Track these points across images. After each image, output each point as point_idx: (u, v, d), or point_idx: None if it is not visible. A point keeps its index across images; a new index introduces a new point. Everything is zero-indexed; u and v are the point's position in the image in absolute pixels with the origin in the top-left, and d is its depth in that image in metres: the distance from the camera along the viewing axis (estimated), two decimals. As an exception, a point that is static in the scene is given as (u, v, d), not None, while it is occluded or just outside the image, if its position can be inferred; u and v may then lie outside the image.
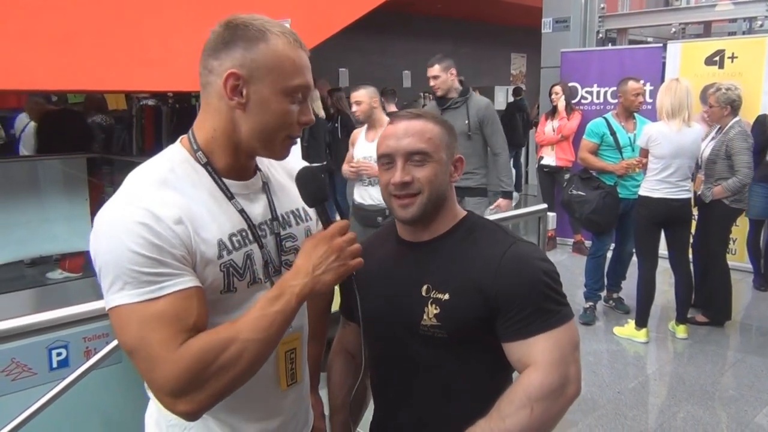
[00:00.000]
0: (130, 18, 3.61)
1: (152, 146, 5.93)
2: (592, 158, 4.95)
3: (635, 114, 4.96)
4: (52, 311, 1.81)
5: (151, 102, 6.08)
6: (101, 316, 1.90)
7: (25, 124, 6.74)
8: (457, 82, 4.56)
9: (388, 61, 12.14)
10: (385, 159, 1.42)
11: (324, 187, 1.29)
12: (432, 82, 4.56)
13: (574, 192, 4.93)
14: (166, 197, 1.13)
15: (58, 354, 2.40)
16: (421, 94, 11.68)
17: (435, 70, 4.50)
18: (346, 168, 4.37)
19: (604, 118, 4.99)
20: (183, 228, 1.12)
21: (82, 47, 3.41)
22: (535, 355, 1.30)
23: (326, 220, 1.23)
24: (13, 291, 4.29)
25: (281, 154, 1.25)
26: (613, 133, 4.86)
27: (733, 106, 4.56)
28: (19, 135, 6.80)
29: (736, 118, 4.57)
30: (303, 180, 1.28)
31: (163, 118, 5.80)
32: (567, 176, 6.59)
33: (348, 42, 9.18)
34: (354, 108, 4.30)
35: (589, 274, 5.09)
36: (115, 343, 1.97)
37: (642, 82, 5.12)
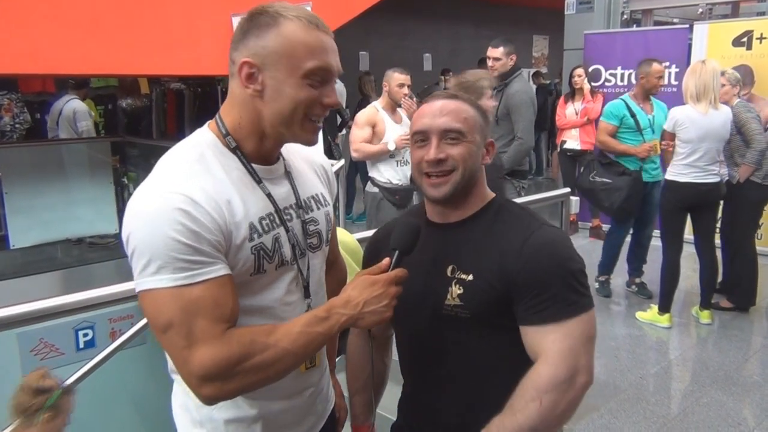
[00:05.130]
0: (156, 2, 3.63)
1: (174, 130, 5.96)
2: (613, 141, 4.86)
3: (651, 96, 4.88)
4: (78, 293, 1.84)
5: (174, 86, 6.11)
6: (126, 298, 1.93)
7: (60, 109, 6.78)
8: (511, 67, 4.56)
9: (408, 44, 12.06)
10: (420, 136, 1.43)
11: (416, 243, 1.33)
12: (491, 63, 4.57)
13: (598, 179, 4.83)
14: (201, 181, 1.15)
15: (85, 335, 2.45)
16: (442, 77, 11.61)
17: (498, 52, 4.49)
18: (393, 142, 4.39)
19: (622, 99, 4.89)
20: (219, 212, 1.14)
21: (108, 31, 3.43)
22: (545, 345, 1.30)
23: (395, 265, 1.27)
24: (41, 272, 4.36)
25: (305, 137, 1.24)
26: (633, 115, 4.77)
27: (742, 83, 4.59)
28: (57, 118, 6.81)
29: (738, 99, 4.57)
30: (405, 227, 1.33)
31: (185, 102, 5.83)
32: (581, 169, 6.54)
33: (369, 25, 9.15)
34: (406, 90, 4.41)
35: (605, 252, 5.14)
36: (140, 325, 2.00)
37: (667, 63, 5.04)
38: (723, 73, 4.57)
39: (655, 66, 4.74)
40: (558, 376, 1.27)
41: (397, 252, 1.29)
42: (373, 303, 1.20)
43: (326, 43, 1.20)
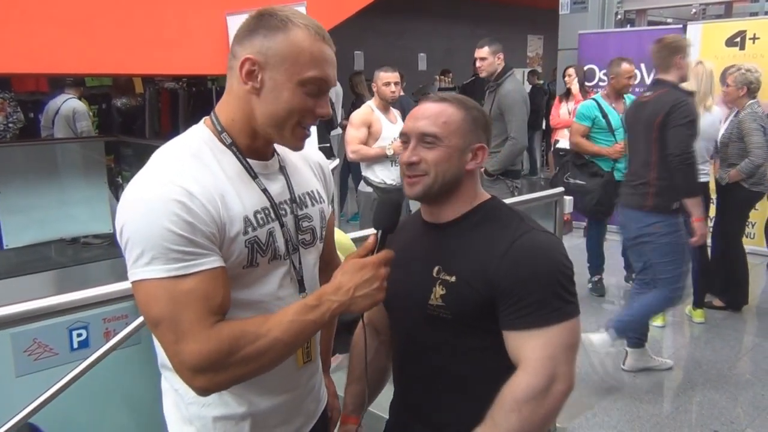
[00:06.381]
0: (150, 1, 3.62)
1: (168, 130, 5.95)
2: (585, 142, 4.89)
3: (624, 95, 4.90)
4: (72, 293, 1.84)
5: (168, 85, 6.09)
6: (121, 298, 1.93)
7: (57, 108, 6.73)
8: (501, 66, 4.55)
9: (404, 43, 12.07)
10: (404, 137, 1.46)
11: (398, 221, 1.33)
12: (478, 63, 4.60)
13: (572, 181, 4.87)
14: (197, 174, 1.16)
15: (79, 335, 2.44)
16: (437, 77, 11.62)
17: (483, 52, 4.50)
18: (389, 147, 4.42)
19: (594, 99, 4.93)
20: (214, 205, 1.14)
21: (102, 30, 3.42)
22: (525, 352, 1.31)
23: (381, 247, 1.27)
24: (35, 272, 4.35)
25: (293, 142, 1.26)
26: (605, 116, 4.80)
27: (750, 88, 4.48)
28: (52, 117, 6.74)
29: (752, 100, 4.51)
30: (386, 207, 1.33)
31: (179, 102, 5.81)
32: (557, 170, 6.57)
33: (364, 24, 9.12)
34: (393, 88, 4.42)
35: (588, 251, 5.19)
36: (134, 324, 2.00)
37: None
38: (734, 71, 4.56)
39: (625, 66, 4.76)
40: (536, 385, 1.28)
41: (380, 232, 1.29)
42: (365, 287, 1.19)
43: (328, 55, 1.22)
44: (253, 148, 1.26)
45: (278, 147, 1.34)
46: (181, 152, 1.20)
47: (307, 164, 1.44)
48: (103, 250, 4.80)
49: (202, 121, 1.29)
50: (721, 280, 4.85)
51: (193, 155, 1.19)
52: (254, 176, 1.25)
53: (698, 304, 4.64)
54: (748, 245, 4.86)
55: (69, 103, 6.73)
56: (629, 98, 4.90)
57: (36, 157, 4.94)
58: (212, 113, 1.27)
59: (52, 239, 4.85)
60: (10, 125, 7.30)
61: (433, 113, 1.42)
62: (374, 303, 1.22)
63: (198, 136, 1.24)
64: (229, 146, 1.24)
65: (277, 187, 1.30)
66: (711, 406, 3.50)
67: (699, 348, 4.31)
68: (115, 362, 2.20)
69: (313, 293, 1.22)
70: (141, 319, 1.97)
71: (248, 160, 1.25)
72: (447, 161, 1.41)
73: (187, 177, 1.14)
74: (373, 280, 1.20)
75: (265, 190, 1.26)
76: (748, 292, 4.85)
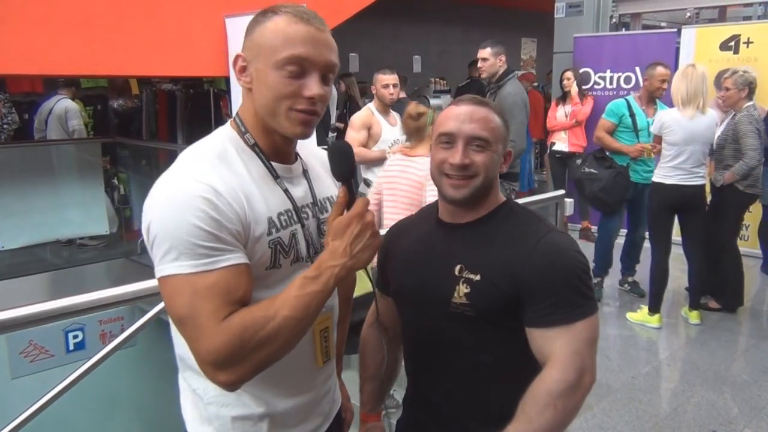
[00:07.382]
0: (148, 3, 3.61)
1: (165, 132, 5.93)
2: (607, 138, 4.93)
3: (657, 100, 4.91)
4: (68, 298, 1.83)
5: (165, 86, 6.07)
6: (117, 302, 1.91)
7: (50, 108, 6.71)
8: (502, 68, 4.55)
9: (398, 46, 12.06)
10: (445, 138, 1.45)
11: (354, 164, 1.30)
12: (480, 64, 4.61)
13: (586, 170, 4.94)
14: (223, 173, 1.17)
15: (75, 337, 2.44)
16: (432, 80, 11.62)
17: (485, 53, 4.51)
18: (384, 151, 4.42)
19: (626, 99, 4.97)
20: (239, 203, 1.15)
21: (99, 32, 3.42)
22: (554, 349, 1.34)
23: (353, 198, 1.23)
24: (30, 274, 4.34)
25: (291, 128, 1.22)
26: (632, 115, 4.84)
27: (751, 88, 4.50)
28: (45, 119, 6.70)
29: (750, 103, 4.52)
30: (337, 153, 1.28)
31: (177, 104, 5.79)
32: (579, 161, 6.57)
33: (359, 27, 9.12)
34: (391, 90, 4.43)
35: (597, 253, 5.17)
36: (133, 329, 1.99)
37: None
38: (731, 75, 4.57)
39: (659, 69, 4.76)
40: (568, 380, 1.31)
41: (345, 183, 1.25)
42: (359, 240, 1.18)
43: (309, 34, 1.19)
44: (274, 149, 1.27)
45: (300, 152, 1.35)
46: (207, 152, 1.20)
47: (325, 170, 1.43)
48: (98, 252, 4.80)
49: (228, 122, 1.30)
50: (717, 281, 4.87)
51: (219, 155, 1.20)
52: (276, 176, 1.26)
53: (694, 305, 4.65)
54: (742, 247, 4.88)
55: (61, 102, 6.71)
56: (662, 106, 4.90)
57: (32, 159, 4.93)
58: (236, 114, 1.28)
59: (48, 241, 4.83)
60: (5, 126, 7.25)
61: (482, 117, 1.45)
62: (376, 251, 1.21)
63: (224, 137, 1.25)
64: (252, 147, 1.25)
65: (299, 191, 1.31)
66: (709, 407, 3.51)
67: (695, 349, 4.32)
68: (111, 363, 2.20)
69: (312, 265, 1.20)
70: (139, 323, 1.96)
71: (272, 163, 1.26)
72: (494, 165, 1.46)
73: (213, 175, 1.14)
74: (365, 230, 1.18)
75: (286, 191, 1.27)
76: (743, 293, 4.87)
